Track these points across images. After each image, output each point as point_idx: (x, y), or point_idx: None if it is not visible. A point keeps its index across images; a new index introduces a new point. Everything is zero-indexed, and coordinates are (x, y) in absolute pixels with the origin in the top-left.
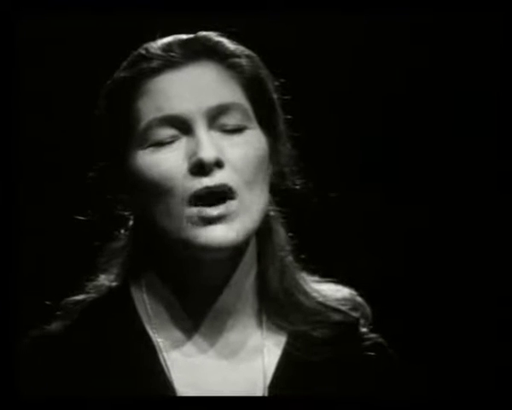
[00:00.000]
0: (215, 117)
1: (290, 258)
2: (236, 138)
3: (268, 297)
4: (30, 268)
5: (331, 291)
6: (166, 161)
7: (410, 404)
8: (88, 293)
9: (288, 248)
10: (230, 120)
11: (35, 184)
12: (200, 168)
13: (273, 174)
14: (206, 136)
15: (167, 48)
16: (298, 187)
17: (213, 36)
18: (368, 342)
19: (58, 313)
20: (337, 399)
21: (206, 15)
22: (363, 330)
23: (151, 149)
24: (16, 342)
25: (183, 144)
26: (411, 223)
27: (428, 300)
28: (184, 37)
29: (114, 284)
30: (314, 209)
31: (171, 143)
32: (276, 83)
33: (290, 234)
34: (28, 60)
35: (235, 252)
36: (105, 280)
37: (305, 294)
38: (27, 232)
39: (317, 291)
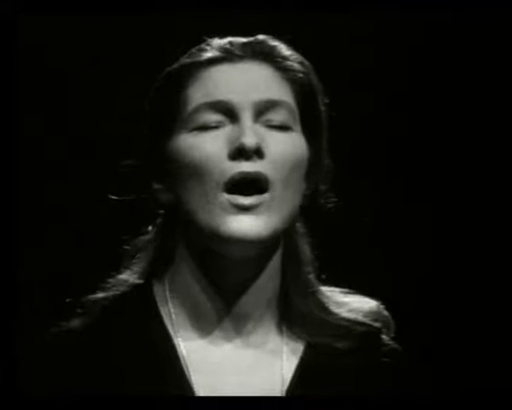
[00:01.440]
0: (262, 111)
1: (314, 275)
2: (279, 135)
3: (290, 309)
4: (50, 266)
5: (359, 303)
6: (208, 144)
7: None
8: (109, 291)
9: (311, 264)
10: (276, 116)
11: (53, 179)
12: (239, 153)
13: (307, 188)
14: (250, 125)
15: (228, 43)
16: (330, 206)
17: (272, 39)
18: (385, 348)
19: (79, 310)
20: (353, 404)
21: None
22: (384, 337)
23: (195, 132)
24: (32, 340)
25: (227, 131)
26: (439, 238)
27: (453, 311)
28: (244, 38)
29: (137, 281)
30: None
31: (215, 128)
32: (326, 99)
33: (315, 252)
34: (28, 60)
35: (259, 255)
36: (128, 278)
37: (328, 311)
38: (49, 227)
39: (343, 305)
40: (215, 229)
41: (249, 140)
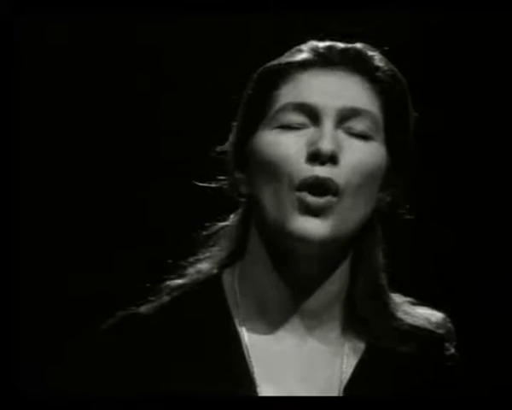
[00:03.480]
0: (345, 118)
1: (383, 281)
2: (359, 143)
3: (355, 311)
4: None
5: (425, 314)
6: (287, 144)
7: None
8: (185, 278)
9: (383, 271)
10: (358, 125)
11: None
12: (315, 157)
13: (386, 196)
14: (330, 130)
15: (326, 48)
16: (406, 217)
17: (369, 49)
18: (446, 355)
19: (151, 297)
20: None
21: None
22: (446, 345)
23: (278, 130)
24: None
25: (308, 133)
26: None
27: None
28: (343, 45)
29: (211, 271)
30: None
31: (298, 129)
32: (415, 114)
33: (388, 259)
34: (28, 60)
35: (327, 254)
36: (204, 266)
37: (394, 317)
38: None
39: (410, 313)
40: (281, 225)
41: (326, 146)
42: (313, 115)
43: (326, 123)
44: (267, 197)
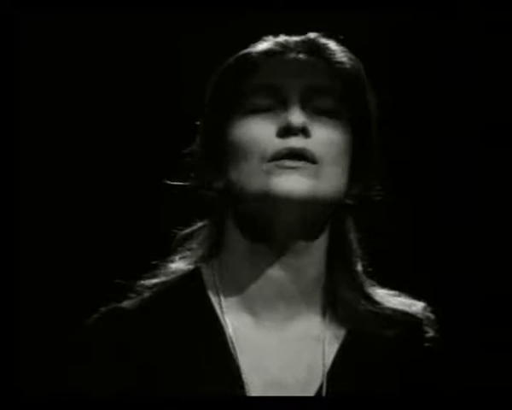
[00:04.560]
0: (310, 97)
1: (361, 268)
2: (328, 120)
3: (334, 297)
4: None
5: (405, 303)
6: (257, 125)
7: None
8: (160, 277)
9: (358, 257)
10: (325, 103)
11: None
12: (287, 132)
13: (355, 180)
14: (298, 106)
15: (283, 40)
16: (378, 198)
17: (322, 37)
18: (426, 337)
19: (131, 294)
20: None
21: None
22: (426, 328)
23: (247, 115)
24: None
25: (277, 113)
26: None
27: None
28: (297, 37)
29: (187, 267)
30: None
31: (266, 111)
32: (375, 96)
33: (363, 246)
34: (28, 57)
35: (305, 239)
36: (179, 265)
37: (373, 300)
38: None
39: (389, 301)
40: (262, 191)
41: (296, 119)
42: (280, 96)
43: (293, 101)
44: (243, 178)
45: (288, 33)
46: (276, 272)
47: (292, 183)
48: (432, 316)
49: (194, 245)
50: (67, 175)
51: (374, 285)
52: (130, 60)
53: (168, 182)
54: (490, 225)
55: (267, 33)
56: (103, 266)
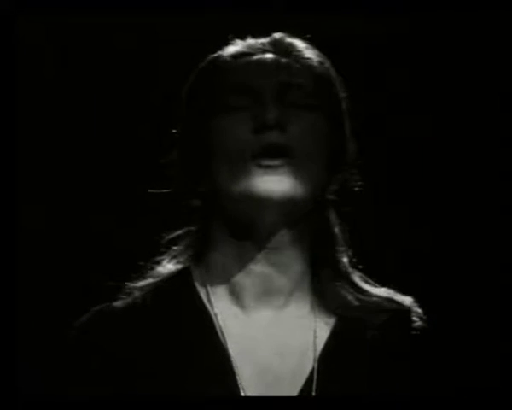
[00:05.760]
0: (284, 93)
1: (346, 258)
2: (300, 114)
3: (321, 286)
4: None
5: (391, 294)
6: (234, 124)
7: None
8: (149, 279)
9: (343, 247)
10: (297, 98)
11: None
12: (262, 127)
13: (333, 172)
14: (272, 103)
15: (253, 42)
16: (357, 189)
17: (288, 37)
18: (414, 325)
19: (121, 296)
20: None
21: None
22: (413, 316)
23: (222, 115)
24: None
25: (251, 111)
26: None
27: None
28: (263, 38)
29: (176, 267)
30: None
31: (241, 108)
32: (345, 89)
33: (346, 237)
34: (29, 56)
35: (289, 232)
36: (166, 267)
37: (360, 288)
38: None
39: (376, 290)
40: (245, 193)
41: (270, 114)
42: (254, 94)
43: (267, 98)
44: (225, 179)
45: (254, 35)
46: (262, 269)
47: (273, 183)
48: (419, 309)
49: (181, 247)
50: (65, 176)
51: (360, 276)
52: (130, 60)
53: (151, 191)
54: (476, 220)
55: (235, 36)
56: (94, 268)
